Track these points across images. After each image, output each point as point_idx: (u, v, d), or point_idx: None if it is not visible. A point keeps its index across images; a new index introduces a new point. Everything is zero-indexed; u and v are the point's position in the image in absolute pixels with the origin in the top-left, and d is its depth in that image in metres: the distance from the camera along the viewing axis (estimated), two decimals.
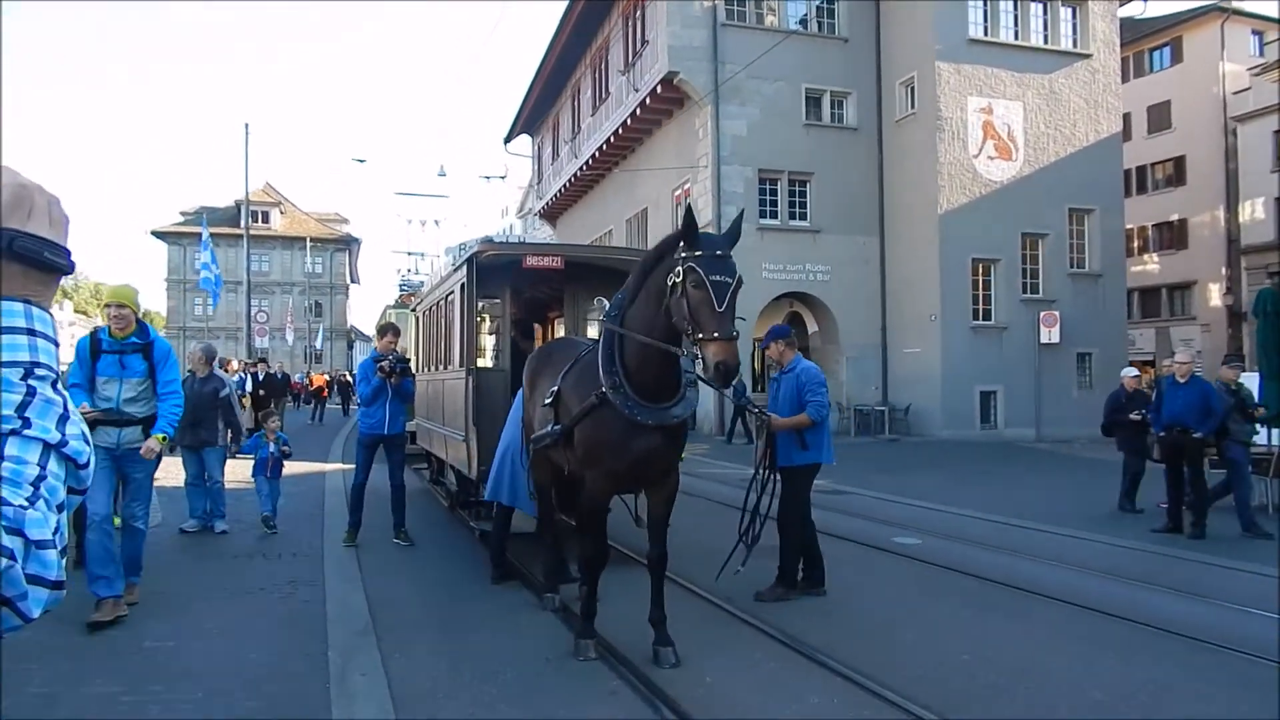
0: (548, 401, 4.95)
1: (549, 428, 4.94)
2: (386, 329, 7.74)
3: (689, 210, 4.15)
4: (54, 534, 0.87)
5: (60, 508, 0.91)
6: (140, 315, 5.20)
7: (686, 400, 4.48)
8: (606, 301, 4.83)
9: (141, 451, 5.08)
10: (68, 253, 0.98)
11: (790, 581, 5.95)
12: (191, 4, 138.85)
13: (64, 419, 0.92)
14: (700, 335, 3.81)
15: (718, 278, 3.88)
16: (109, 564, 4.90)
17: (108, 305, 5.14)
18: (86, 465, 0.96)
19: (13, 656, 4.24)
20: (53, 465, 0.91)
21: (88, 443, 0.96)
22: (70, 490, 0.94)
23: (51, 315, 0.97)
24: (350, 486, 7.59)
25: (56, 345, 0.96)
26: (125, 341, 5.07)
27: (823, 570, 6.09)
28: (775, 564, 6.00)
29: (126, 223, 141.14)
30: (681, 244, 4.00)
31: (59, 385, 0.94)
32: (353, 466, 12.94)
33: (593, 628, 4.61)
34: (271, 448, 7.97)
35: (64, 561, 0.89)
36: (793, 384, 5.94)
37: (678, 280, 3.93)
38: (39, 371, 0.92)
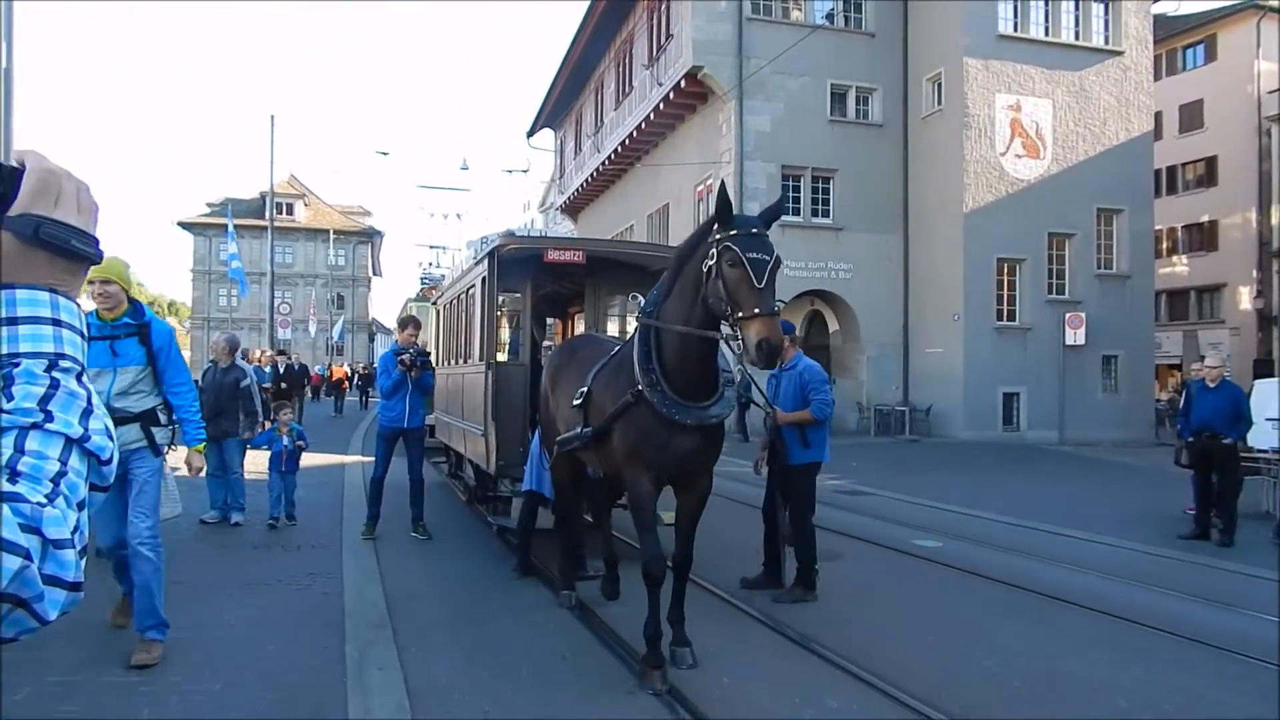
0: (576, 402, 4.82)
1: (577, 429, 4.83)
2: (407, 321, 7.72)
3: (723, 188, 4.03)
4: (73, 533, 0.84)
5: (81, 505, 0.88)
6: (132, 292, 4.47)
7: (725, 400, 4.34)
8: (641, 296, 4.73)
9: (188, 472, 4.75)
10: (96, 241, 0.95)
11: (809, 582, 5.91)
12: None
13: (87, 413, 0.90)
14: (740, 314, 3.67)
15: (754, 255, 3.74)
16: (144, 597, 4.20)
17: (91, 282, 4.15)
18: (110, 461, 0.93)
19: (31, 645, 4.26)
20: (74, 461, 0.88)
21: (111, 439, 0.93)
22: (93, 487, 0.91)
23: (78, 305, 0.95)
24: (369, 479, 7.62)
25: (83, 337, 0.93)
26: (116, 324, 4.29)
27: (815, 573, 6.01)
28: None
29: (153, 214, 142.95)
30: (715, 225, 3.90)
31: (84, 378, 0.91)
32: (372, 459, 12.99)
33: (660, 652, 4.23)
34: (285, 441, 7.96)
35: (83, 562, 0.86)
36: (794, 381, 5.92)
37: (713, 263, 3.82)
38: (63, 364, 0.89)
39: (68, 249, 0.91)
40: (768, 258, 3.77)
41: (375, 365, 32.13)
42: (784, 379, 5.98)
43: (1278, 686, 4.36)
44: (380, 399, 7.67)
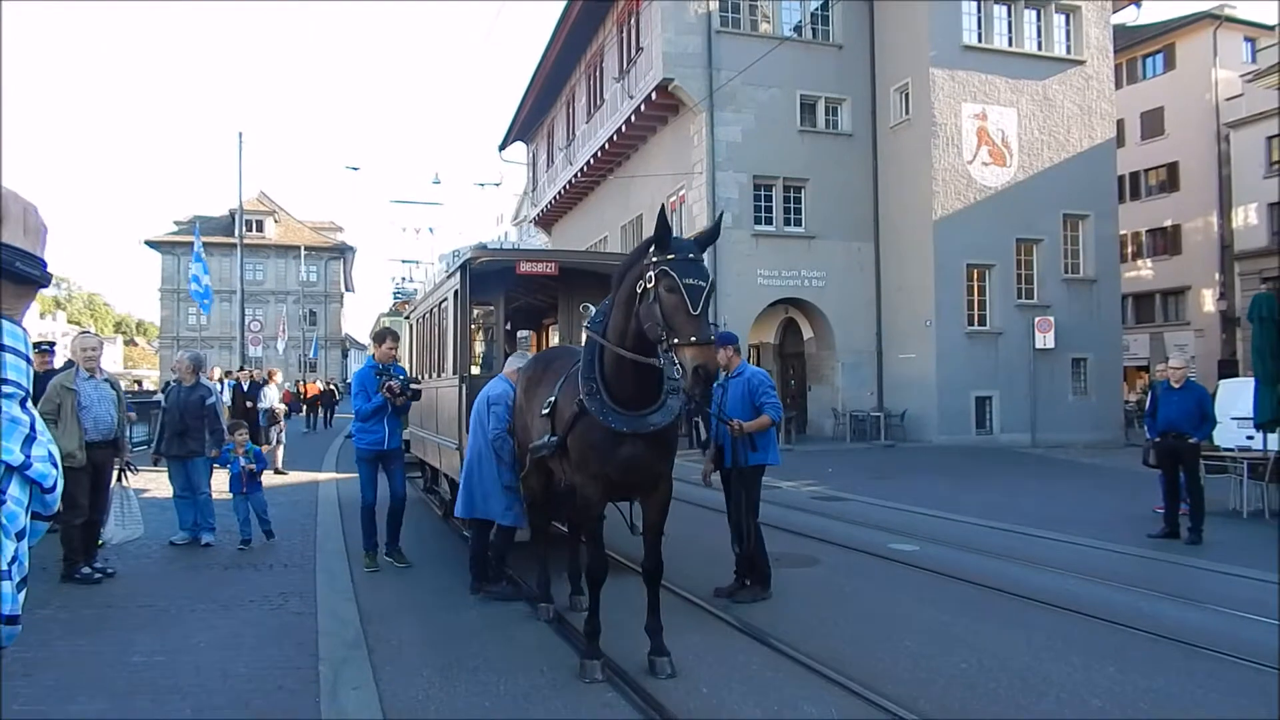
0: (544, 412, 4.93)
1: (545, 438, 4.91)
2: (385, 334, 7.25)
3: (662, 212, 4.04)
4: (11, 563, 0.82)
5: (21, 535, 0.85)
6: None
7: (667, 408, 4.41)
8: (593, 307, 4.80)
9: None
10: (43, 264, 0.93)
11: (765, 580, 6.11)
12: (184, 11, 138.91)
13: (30, 440, 0.87)
14: (677, 340, 3.70)
15: (691, 281, 3.77)
16: None
17: None
18: (53, 489, 0.90)
19: None
20: (14, 489, 0.85)
21: (56, 466, 0.91)
22: (35, 516, 0.89)
23: (24, 330, 0.92)
24: (361, 508, 7.05)
25: (29, 362, 0.90)
26: None
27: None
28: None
29: (120, 232, 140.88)
30: (653, 248, 3.91)
31: (28, 404, 0.88)
32: (347, 476, 12.83)
33: (599, 647, 4.47)
34: (242, 461, 7.81)
35: (21, 595, 0.83)
36: (741, 387, 6.09)
37: (649, 285, 3.84)
38: (6, 389, 0.87)
39: (12, 271, 0.88)
40: (704, 284, 3.80)
41: (349, 382, 31.77)
42: (730, 386, 6.12)
43: (1245, 681, 4.44)
44: (355, 420, 7.12)
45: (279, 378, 18.03)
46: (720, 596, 6.04)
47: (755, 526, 6.13)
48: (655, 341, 3.87)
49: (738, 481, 6.10)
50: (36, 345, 7.28)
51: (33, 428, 0.87)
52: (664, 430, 4.45)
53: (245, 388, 14.83)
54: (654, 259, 3.84)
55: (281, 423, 14.25)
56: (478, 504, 5.94)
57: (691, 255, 3.88)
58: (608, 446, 4.35)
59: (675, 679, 4.32)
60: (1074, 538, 8.59)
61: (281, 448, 13.54)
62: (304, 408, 28.97)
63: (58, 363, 8.78)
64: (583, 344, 4.65)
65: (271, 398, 14.66)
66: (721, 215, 4.60)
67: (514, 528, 6.12)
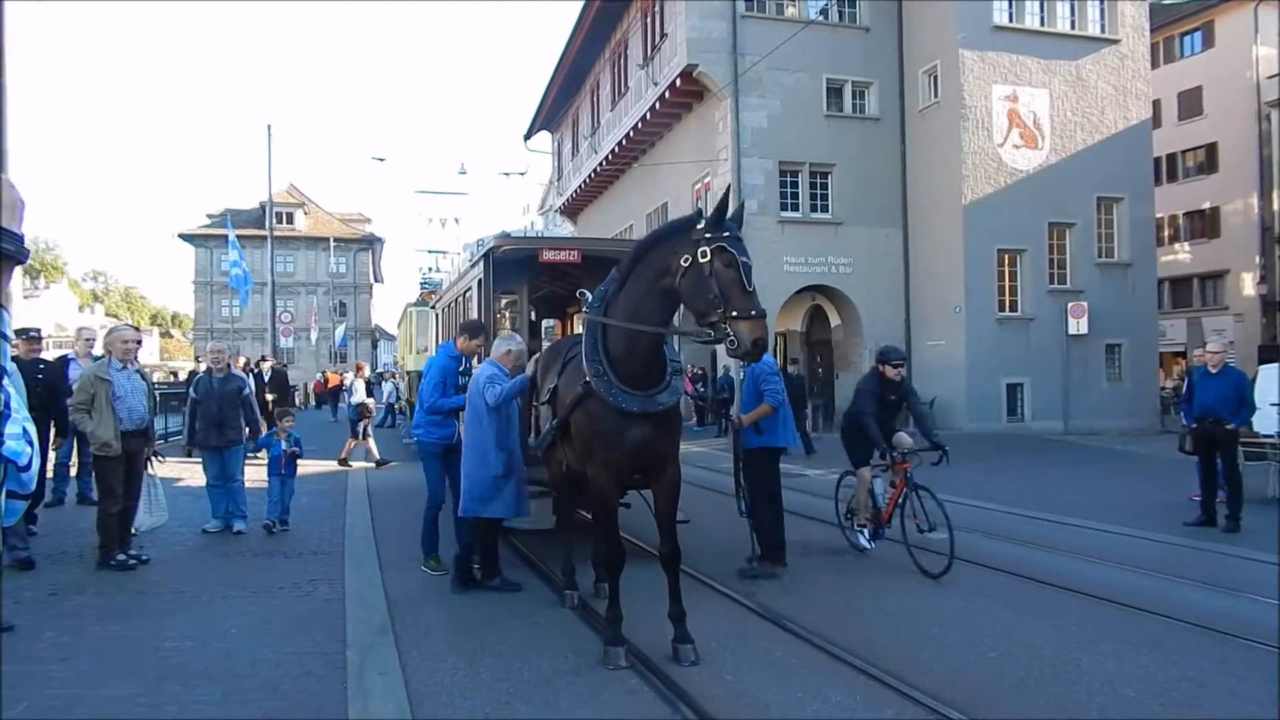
0: (544, 400, 4.98)
1: (549, 424, 4.96)
2: (478, 329, 6.51)
3: (729, 190, 4.15)
4: None
5: None
6: None
7: (672, 388, 4.48)
8: (588, 293, 4.82)
9: None
10: (19, 239, 0.92)
11: (777, 558, 6.36)
12: (213, 6, 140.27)
13: (4, 418, 0.87)
14: (735, 313, 3.82)
15: (745, 259, 3.93)
16: None
17: None
18: (29, 467, 0.90)
19: (33, 658, 4.27)
20: None
21: (31, 444, 0.91)
22: (10, 495, 0.88)
23: (7, 313, 0.91)
24: (427, 507, 6.45)
25: (7, 340, 0.90)
26: None
27: (785, 550, 6.50)
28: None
29: (154, 226, 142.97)
30: (702, 225, 3.99)
31: (4, 382, 0.88)
32: (375, 465, 12.90)
33: (621, 633, 4.47)
34: (284, 444, 7.95)
35: None
36: (749, 376, 6.34)
37: (702, 260, 3.90)
38: None
39: None
40: (751, 263, 3.98)
41: (380, 371, 32.01)
42: (746, 374, 6.45)
43: None
44: (422, 411, 6.35)
45: (366, 371, 18.18)
46: (742, 574, 6.23)
47: (775, 507, 6.46)
48: (701, 314, 3.95)
49: (749, 463, 6.41)
50: (24, 332, 7.41)
51: (7, 405, 0.87)
52: (671, 410, 4.52)
53: (266, 377, 14.98)
54: (707, 235, 3.93)
55: (370, 415, 14.50)
56: (482, 503, 5.63)
57: (740, 236, 4.00)
58: (615, 429, 4.36)
59: (699, 665, 4.31)
60: (1107, 526, 8.45)
61: (371, 439, 13.77)
62: (330, 398, 29.23)
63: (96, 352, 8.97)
64: (583, 329, 4.63)
65: (360, 391, 14.89)
66: (743, 204, 4.52)
67: (499, 520, 5.85)
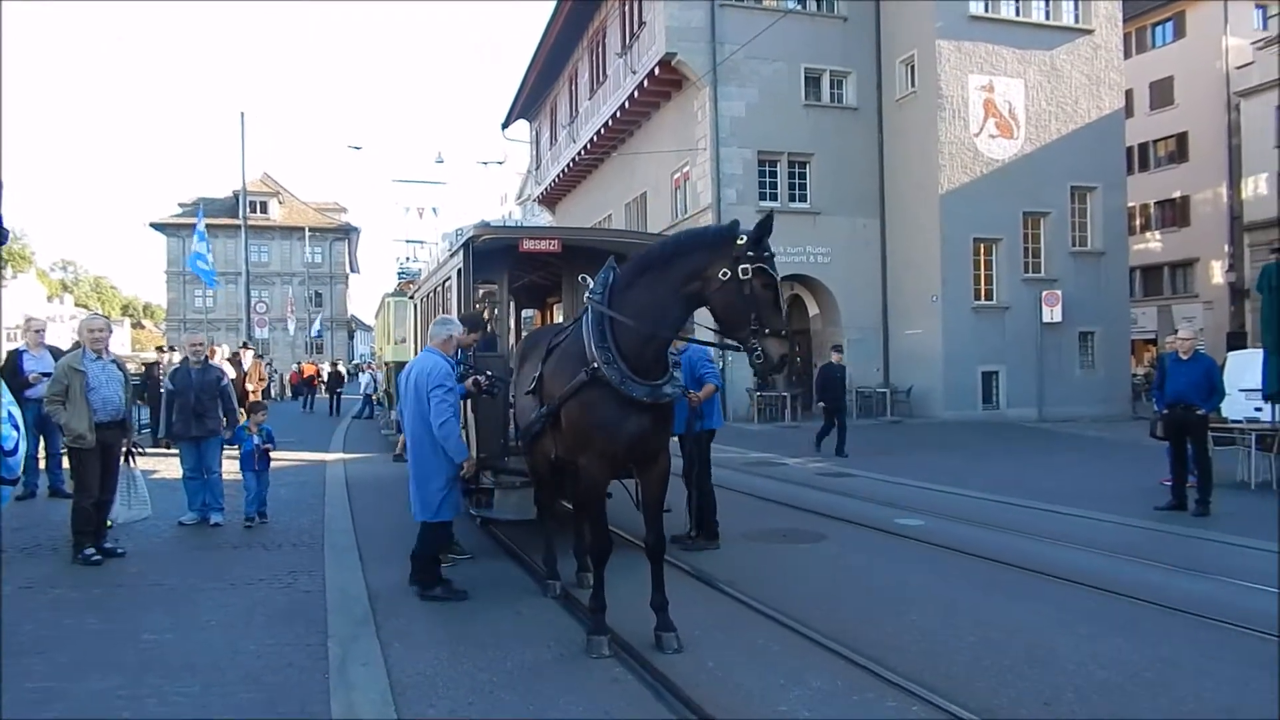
0: (530, 389, 4.94)
1: (534, 413, 4.92)
2: (477, 322, 6.16)
3: (770, 216, 4.21)
4: None
5: None
6: None
7: (674, 380, 4.52)
8: (589, 279, 4.76)
9: None
10: None
11: (712, 532, 7.00)
12: None
13: None
14: (768, 330, 4.02)
15: (779, 280, 4.17)
16: None
17: None
18: (14, 452, 0.89)
19: (11, 652, 4.22)
20: None
21: (18, 429, 0.90)
22: None
23: None
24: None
25: None
26: None
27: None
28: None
29: (126, 215, 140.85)
30: (744, 241, 4.10)
31: None
32: (355, 457, 12.89)
33: (605, 622, 4.49)
34: (256, 439, 7.85)
35: None
36: (685, 364, 6.65)
37: (744, 277, 4.04)
38: None
39: None
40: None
41: (356, 363, 31.62)
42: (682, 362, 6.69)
43: (1252, 651, 4.44)
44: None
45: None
46: (674, 544, 6.44)
47: (709, 487, 7.06)
48: (733, 326, 4.13)
49: (694, 445, 7.01)
50: None
51: None
52: (672, 402, 4.55)
53: (245, 366, 14.74)
54: (749, 253, 4.06)
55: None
56: (440, 507, 5.36)
57: (773, 254, 4.19)
58: (618, 418, 4.36)
59: (682, 653, 4.34)
60: (1081, 511, 8.59)
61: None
62: (302, 390, 28.97)
63: (63, 344, 8.85)
64: (586, 313, 4.56)
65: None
66: (771, 216, 4.32)
67: (449, 522, 5.63)
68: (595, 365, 4.30)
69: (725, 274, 4.07)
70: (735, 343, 4.16)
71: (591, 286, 4.62)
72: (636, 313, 4.34)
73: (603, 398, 4.36)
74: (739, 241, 4.10)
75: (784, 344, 4.06)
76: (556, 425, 4.79)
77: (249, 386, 13.48)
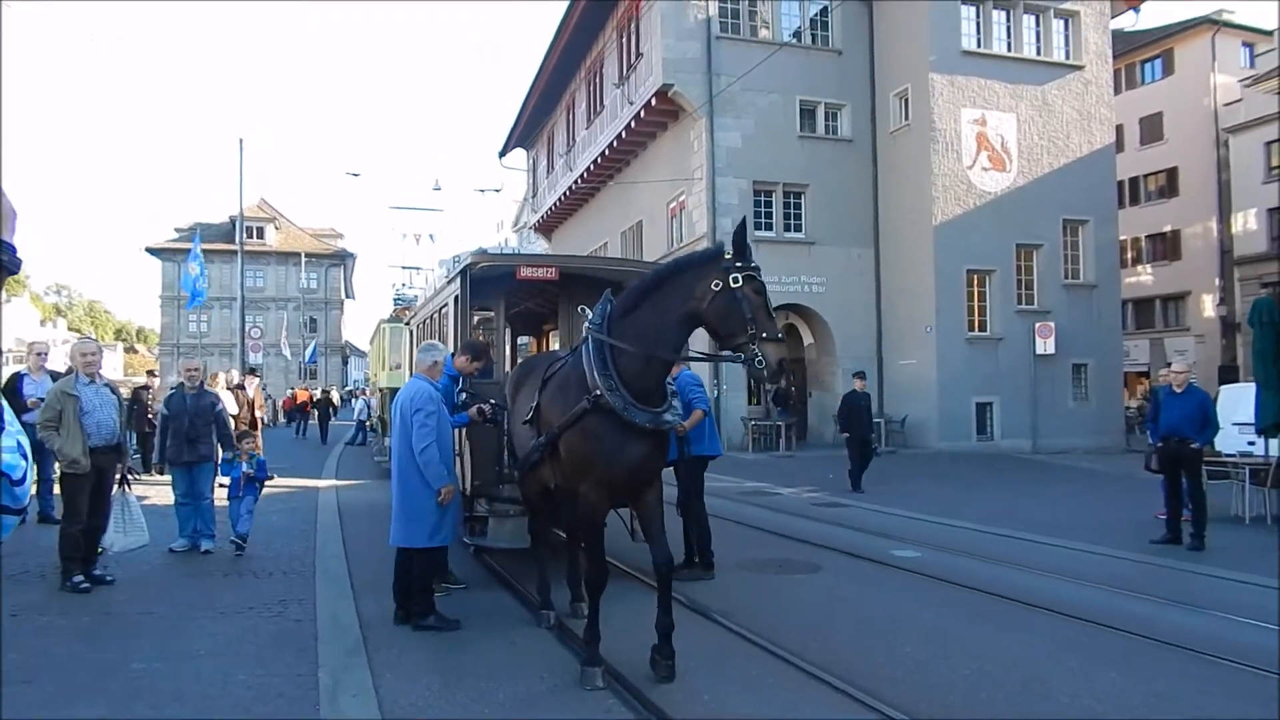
0: (527, 418, 4.95)
1: (532, 443, 4.94)
2: (482, 350, 6.22)
3: (745, 222, 4.48)
4: None
5: None
6: None
7: (673, 407, 4.56)
8: (588, 309, 4.85)
9: None
10: (13, 249, 0.91)
11: (707, 562, 6.92)
12: (185, 17, 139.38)
13: None
14: (765, 335, 4.10)
15: (766, 286, 4.27)
16: None
17: None
18: (22, 481, 0.89)
19: None
20: None
21: (26, 457, 0.90)
22: (4, 510, 0.88)
23: None
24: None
25: None
26: None
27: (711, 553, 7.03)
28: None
29: (121, 239, 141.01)
30: (730, 254, 4.23)
31: None
32: (347, 483, 12.82)
33: (599, 653, 4.45)
34: (245, 466, 7.74)
35: None
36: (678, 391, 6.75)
37: (734, 285, 4.14)
38: None
39: None
40: None
41: (349, 389, 31.53)
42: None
43: (1246, 686, 4.42)
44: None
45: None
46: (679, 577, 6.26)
47: (702, 514, 7.01)
48: (730, 335, 4.19)
49: (684, 472, 6.98)
50: None
51: (1, 418, 0.86)
52: (669, 430, 4.63)
53: (250, 393, 14.71)
54: (738, 264, 4.19)
55: None
56: (433, 532, 5.35)
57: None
58: (617, 446, 4.39)
59: (676, 684, 4.31)
60: (1075, 543, 8.58)
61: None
62: (295, 415, 28.88)
63: (57, 369, 8.82)
64: (586, 343, 4.59)
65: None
66: (745, 220, 4.67)
67: (443, 548, 5.63)
68: (598, 393, 4.33)
69: (718, 284, 4.18)
70: (734, 352, 4.22)
71: (591, 316, 4.67)
72: (636, 338, 4.40)
73: (604, 425, 4.38)
74: (726, 255, 4.25)
75: (781, 348, 4.12)
76: (554, 454, 4.79)
77: (258, 414, 13.41)
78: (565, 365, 4.89)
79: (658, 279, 4.50)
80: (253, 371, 17.09)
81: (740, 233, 4.31)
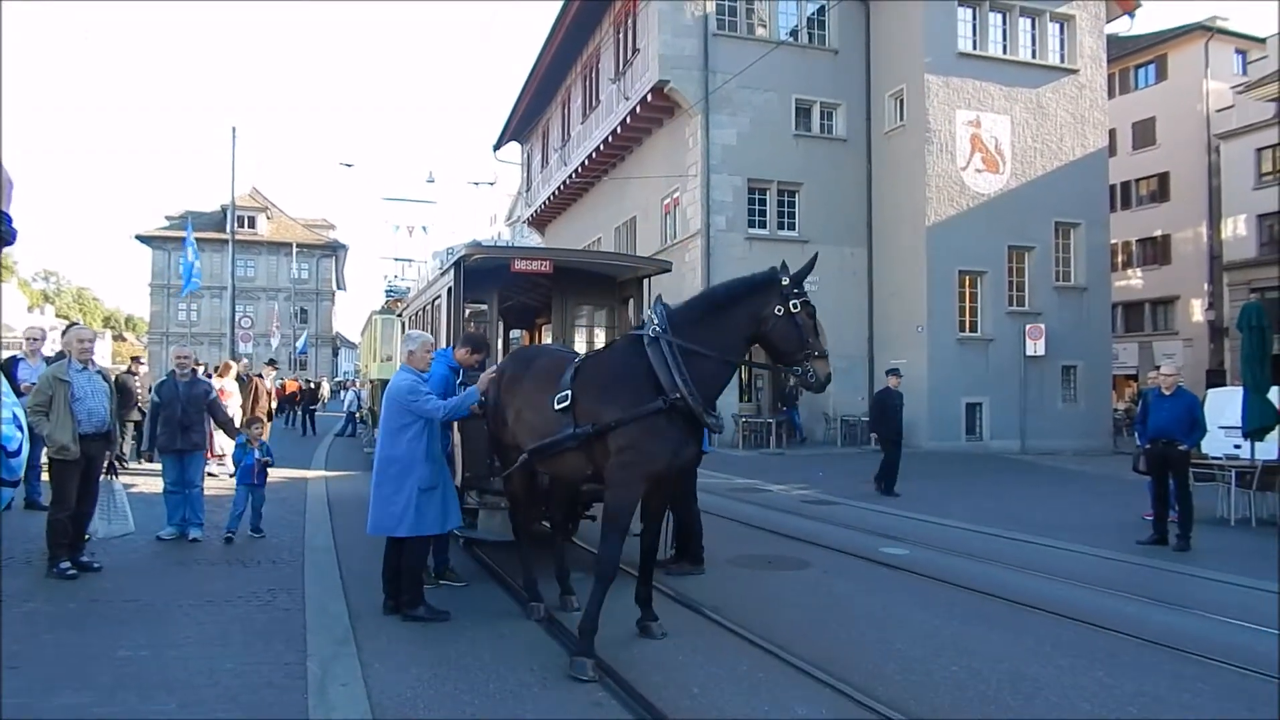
0: (560, 406, 4.93)
1: (565, 430, 4.90)
2: (482, 343, 6.22)
3: (815, 256, 5.25)
4: None
5: None
6: None
7: (718, 415, 4.94)
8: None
9: None
10: (9, 219, 0.90)
11: (697, 558, 6.96)
12: (178, 5, 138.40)
13: None
14: (817, 354, 4.67)
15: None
16: None
17: None
18: (18, 453, 0.88)
19: None
20: None
21: (20, 429, 0.89)
22: (1, 483, 0.87)
23: None
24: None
25: None
26: None
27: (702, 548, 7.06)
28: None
29: (111, 227, 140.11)
30: (788, 282, 4.76)
31: None
32: (336, 474, 12.80)
33: (592, 645, 4.44)
34: (256, 454, 7.82)
35: None
36: None
37: (794, 310, 4.69)
38: None
39: None
40: None
41: (339, 380, 31.41)
42: None
43: (1233, 685, 4.46)
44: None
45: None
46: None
47: (695, 512, 7.05)
48: (788, 354, 4.73)
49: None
50: None
51: None
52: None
53: (270, 384, 14.67)
54: (795, 291, 4.74)
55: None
56: (395, 520, 5.30)
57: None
58: (680, 444, 4.75)
59: (666, 679, 4.32)
60: (1063, 543, 8.63)
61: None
62: (284, 407, 28.70)
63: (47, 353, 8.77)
64: (656, 344, 4.73)
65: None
66: (816, 256, 5.48)
67: (443, 542, 5.68)
68: (678, 395, 4.60)
69: (779, 310, 4.69)
70: (788, 367, 4.75)
71: (655, 321, 4.88)
72: (706, 346, 4.78)
73: (671, 424, 4.67)
74: (784, 283, 4.74)
75: (828, 364, 4.68)
76: (592, 445, 4.83)
77: (273, 405, 13.43)
78: (608, 359, 5.18)
79: (726, 298, 4.90)
80: (272, 363, 17.23)
81: (809, 265, 4.94)
